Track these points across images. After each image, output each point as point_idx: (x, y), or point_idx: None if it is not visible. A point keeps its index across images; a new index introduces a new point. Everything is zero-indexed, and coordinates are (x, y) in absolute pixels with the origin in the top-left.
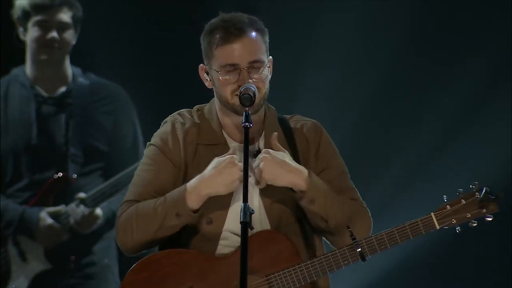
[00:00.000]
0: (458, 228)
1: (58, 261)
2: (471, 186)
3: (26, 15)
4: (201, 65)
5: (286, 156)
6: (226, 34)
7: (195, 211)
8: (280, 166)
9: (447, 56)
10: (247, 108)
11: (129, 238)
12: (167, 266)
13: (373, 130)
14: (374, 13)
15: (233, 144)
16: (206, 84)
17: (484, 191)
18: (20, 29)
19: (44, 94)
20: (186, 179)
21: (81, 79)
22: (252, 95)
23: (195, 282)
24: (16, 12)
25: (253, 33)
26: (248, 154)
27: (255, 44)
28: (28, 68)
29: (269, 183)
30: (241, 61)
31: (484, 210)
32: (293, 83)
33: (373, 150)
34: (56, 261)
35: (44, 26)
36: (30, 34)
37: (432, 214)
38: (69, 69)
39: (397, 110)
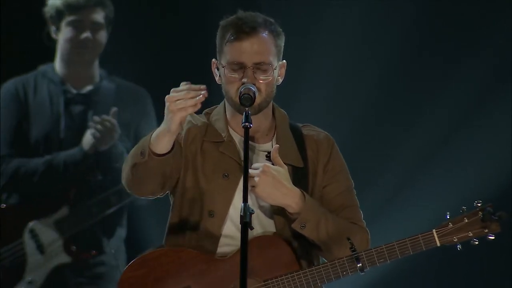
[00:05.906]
0: (459, 246)
1: (78, 254)
2: (474, 204)
3: (59, 14)
4: (214, 59)
5: (283, 175)
6: (238, 31)
7: (158, 155)
8: (275, 187)
9: (447, 57)
10: (247, 108)
11: (123, 177)
12: (165, 264)
13: (373, 130)
14: (375, 13)
15: (238, 140)
16: (216, 79)
17: (487, 210)
18: (52, 28)
19: (73, 90)
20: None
21: (106, 81)
22: (252, 95)
23: (192, 281)
24: (48, 11)
25: (265, 34)
26: (248, 154)
27: (264, 45)
28: (58, 65)
29: (261, 199)
30: (247, 61)
31: (486, 230)
32: (293, 82)
33: (373, 149)
34: (75, 254)
35: (78, 26)
36: (63, 34)
37: (434, 231)
38: (97, 70)
39: (397, 110)
